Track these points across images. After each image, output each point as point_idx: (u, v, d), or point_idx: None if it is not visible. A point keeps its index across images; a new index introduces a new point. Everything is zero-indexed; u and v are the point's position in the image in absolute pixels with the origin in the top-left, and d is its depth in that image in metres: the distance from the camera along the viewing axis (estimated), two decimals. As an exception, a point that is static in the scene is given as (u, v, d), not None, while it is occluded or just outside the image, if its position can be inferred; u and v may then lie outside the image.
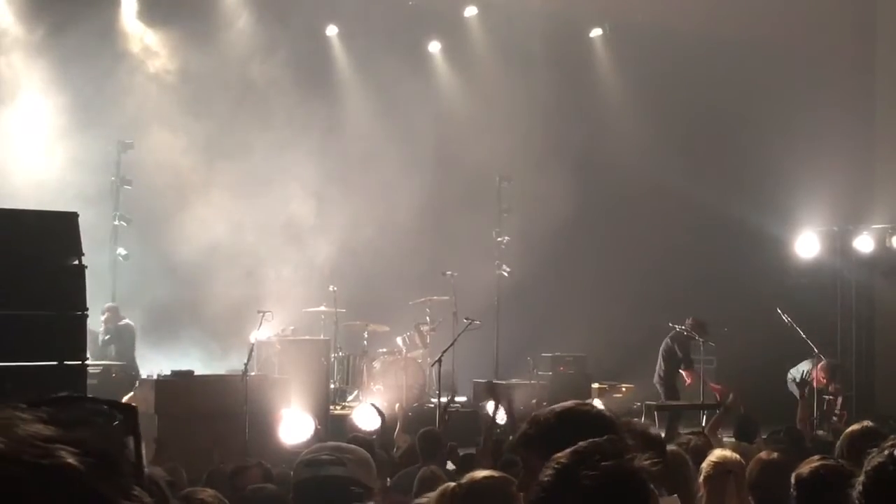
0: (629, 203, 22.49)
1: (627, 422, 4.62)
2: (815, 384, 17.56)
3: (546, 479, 2.43)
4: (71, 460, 0.91)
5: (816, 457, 4.46)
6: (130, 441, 1.00)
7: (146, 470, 1.01)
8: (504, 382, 18.70)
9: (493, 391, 9.32)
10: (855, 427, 5.95)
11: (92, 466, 0.92)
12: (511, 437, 8.63)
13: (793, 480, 4.23)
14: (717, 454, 5.92)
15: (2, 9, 18.88)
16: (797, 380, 17.38)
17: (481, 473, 4.49)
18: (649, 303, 20.41)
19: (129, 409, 1.02)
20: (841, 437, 6.08)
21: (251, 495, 6.04)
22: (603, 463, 2.34)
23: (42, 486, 0.89)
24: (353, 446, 4.15)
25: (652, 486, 2.38)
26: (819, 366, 17.92)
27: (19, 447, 0.90)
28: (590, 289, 21.14)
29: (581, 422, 3.36)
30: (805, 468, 4.16)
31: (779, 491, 7.04)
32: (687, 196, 21.11)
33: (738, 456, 5.98)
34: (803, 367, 18.10)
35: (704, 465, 5.82)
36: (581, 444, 2.43)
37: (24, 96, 18.66)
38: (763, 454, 6.74)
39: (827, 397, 18.02)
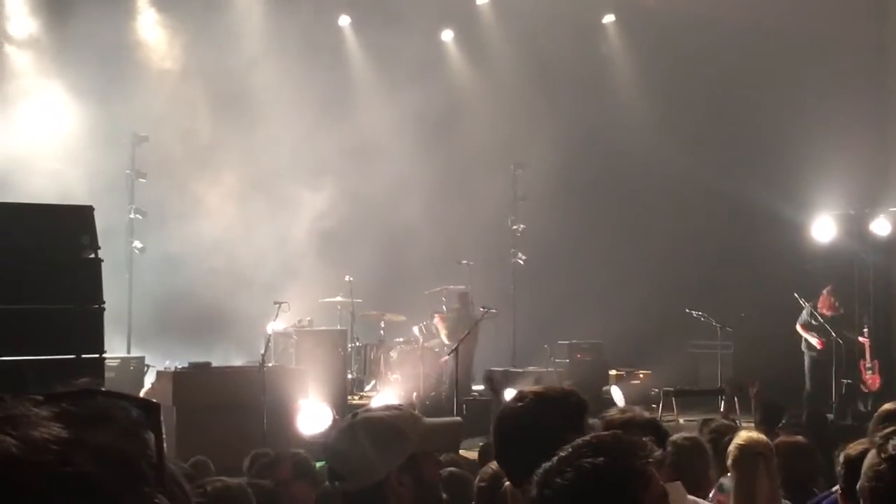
0: (644, 189, 22.44)
1: (626, 409, 4.61)
2: (825, 311, 17.89)
3: (536, 477, 2.43)
4: (89, 467, 0.87)
5: (864, 439, 4.42)
6: (151, 438, 0.96)
7: (169, 469, 0.97)
8: (521, 370, 18.66)
9: (491, 380, 9.33)
10: (889, 406, 5.87)
11: (111, 472, 0.89)
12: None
13: (841, 460, 4.20)
14: (742, 437, 5.85)
15: (18, 3, 18.92)
16: (806, 314, 18.02)
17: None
18: (665, 288, 20.38)
19: (151, 405, 0.99)
20: (875, 416, 6.02)
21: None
22: (584, 460, 2.32)
23: (57, 495, 0.85)
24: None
25: (652, 472, 2.36)
26: (825, 291, 18.25)
27: (34, 451, 0.86)
28: (606, 275, 21.10)
29: (550, 404, 3.44)
30: (853, 449, 4.13)
31: (804, 473, 7.03)
32: (702, 181, 21.03)
33: (765, 438, 5.92)
34: (806, 312, 18.36)
35: (731, 448, 5.76)
36: (581, 439, 2.42)
37: (39, 91, 18.70)
38: (786, 437, 6.71)
39: (845, 381, 18.05)
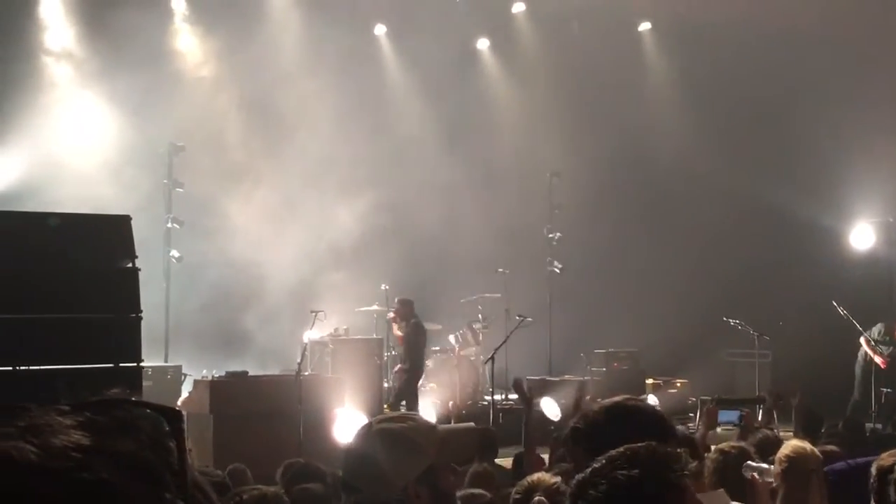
0: (680, 196, 22.34)
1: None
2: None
3: (570, 488, 2.42)
4: (107, 474, 0.88)
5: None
6: (173, 447, 0.97)
7: (191, 477, 0.98)
8: (557, 379, 18.62)
9: (520, 388, 9.29)
10: None
11: (131, 480, 0.89)
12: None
13: (874, 471, 4.16)
14: (791, 447, 5.74)
15: (55, 14, 19.08)
16: (872, 338, 17.60)
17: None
18: (702, 297, 20.26)
19: (174, 413, 0.99)
20: None
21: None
22: (619, 472, 2.31)
23: (75, 502, 0.86)
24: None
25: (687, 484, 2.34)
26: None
27: (53, 459, 0.87)
28: (642, 284, 21.03)
29: (628, 417, 3.34)
30: (886, 460, 4.09)
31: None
32: (738, 189, 20.93)
33: (814, 449, 5.82)
34: (876, 329, 18.17)
35: (779, 457, 5.66)
36: (615, 451, 2.40)
37: (76, 101, 18.84)
38: (821, 447, 6.63)
39: (885, 390, 17.90)
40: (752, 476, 5.35)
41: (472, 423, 4.60)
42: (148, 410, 0.98)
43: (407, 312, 17.56)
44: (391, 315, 17.93)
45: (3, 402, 0.96)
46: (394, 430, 3.11)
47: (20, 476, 0.85)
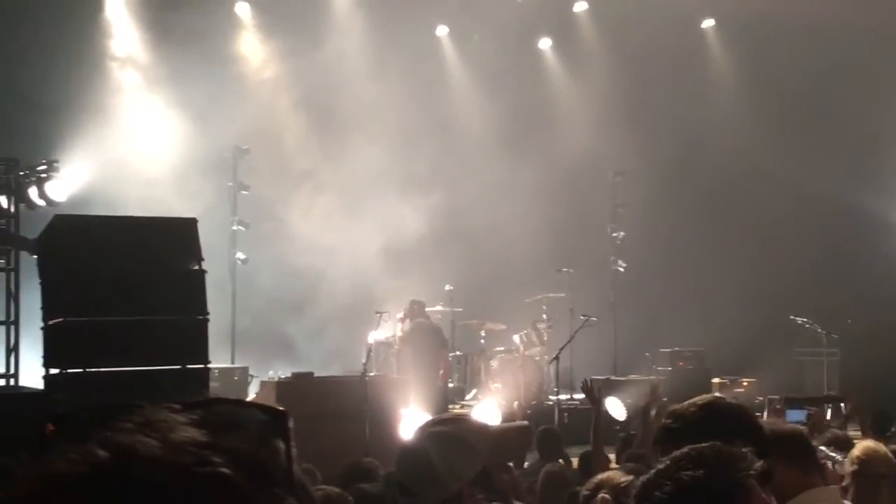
0: (745, 194, 22.16)
1: None
2: None
3: (635, 490, 2.40)
4: (226, 469, 0.91)
5: None
6: (280, 446, 1.00)
7: (297, 476, 1.01)
8: (623, 378, 18.53)
9: (589, 389, 9.25)
10: None
11: (246, 476, 0.92)
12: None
13: None
14: (862, 448, 5.65)
15: (120, 20, 19.29)
16: None
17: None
18: (768, 295, 20.09)
19: (280, 413, 1.02)
20: None
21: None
22: (684, 473, 2.29)
23: (196, 496, 0.89)
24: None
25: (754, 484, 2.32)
26: None
27: (175, 453, 0.90)
28: (707, 282, 20.87)
29: (725, 414, 3.33)
30: None
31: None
32: (805, 185, 20.73)
33: (887, 452, 5.72)
34: None
35: (851, 457, 5.58)
36: (679, 452, 2.39)
37: (143, 106, 19.05)
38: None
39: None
40: (825, 464, 5.29)
41: (525, 422, 4.61)
42: (255, 410, 1.01)
43: (414, 313, 17.41)
44: (400, 315, 17.83)
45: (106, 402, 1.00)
46: (447, 433, 3.11)
47: (148, 469, 0.89)
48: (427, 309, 18.87)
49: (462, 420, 3.26)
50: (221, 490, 0.90)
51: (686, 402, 3.47)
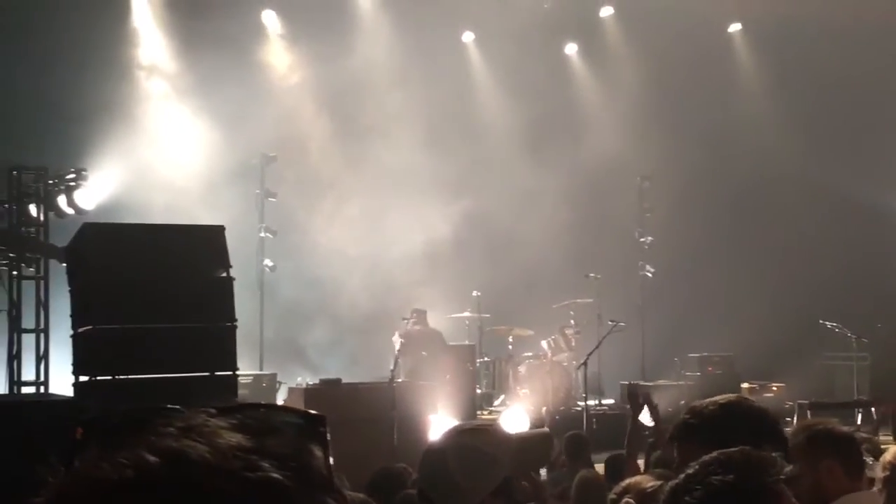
0: (772, 198, 22.07)
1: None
2: None
3: (664, 494, 2.40)
4: (276, 474, 0.92)
5: None
6: (317, 450, 1.01)
7: (336, 481, 1.02)
8: (651, 384, 18.48)
9: (634, 397, 9.11)
10: None
11: (292, 479, 0.93)
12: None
13: None
14: (894, 452, 5.60)
15: (147, 29, 19.39)
16: None
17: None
18: (798, 299, 19.98)
19: (317, 418, 1.03)
20: None
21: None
22: (714, 478, 2.28)
23: (249, 501, 0.90)
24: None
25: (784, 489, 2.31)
26: None
27: (224, 458, 0.91)
28: (735, 287, 20.81)
29: (745, 414, 3.32)
30: None
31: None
32: (833, 189, 20.66)
33: None
34: None
35: (882, 462, 5.53)
36: (708, 456, 2.38)
37: (172, 114, 19.12)
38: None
39: None
40: None
41: (546, 429, 4.62)
42: (289, 414, 1.02)
43: (416, 321, 17.30)
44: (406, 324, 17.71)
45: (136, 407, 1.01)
46: (469, 446, 3.08)
47: (200, 474, 0.90)
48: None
49: (484, 431, 3.24)
50: (273, 494, 0.91)
51: (707, 400, 3.47)
